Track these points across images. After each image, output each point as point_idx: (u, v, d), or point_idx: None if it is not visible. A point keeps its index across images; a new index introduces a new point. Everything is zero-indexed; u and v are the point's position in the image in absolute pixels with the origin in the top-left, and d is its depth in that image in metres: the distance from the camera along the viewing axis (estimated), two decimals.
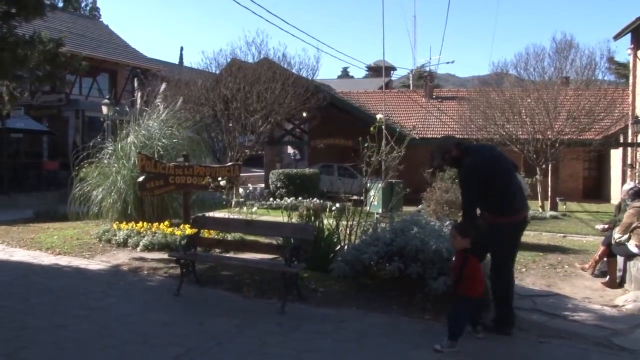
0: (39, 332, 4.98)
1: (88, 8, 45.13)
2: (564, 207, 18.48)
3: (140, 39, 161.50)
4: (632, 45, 20.46)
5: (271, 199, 18.64)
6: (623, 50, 42.54)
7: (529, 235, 11.91)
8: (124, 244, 9.02)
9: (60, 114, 23.63)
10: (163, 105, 11.62)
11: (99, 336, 4.89)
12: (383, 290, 6.06)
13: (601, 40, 25.22)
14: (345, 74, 73.24)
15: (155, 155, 10.09)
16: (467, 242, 4.80)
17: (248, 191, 17.52)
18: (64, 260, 8.26)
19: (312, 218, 7.77)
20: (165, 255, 7.83)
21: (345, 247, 7.01)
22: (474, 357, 4.58)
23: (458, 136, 23.16)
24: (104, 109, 18.92)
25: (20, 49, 9.67)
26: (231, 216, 8.72)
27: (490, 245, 5.09)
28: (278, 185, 19.80)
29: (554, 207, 18.55)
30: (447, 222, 6.68)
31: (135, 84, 13.55)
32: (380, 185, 9.47)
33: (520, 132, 19.16)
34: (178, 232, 8.87)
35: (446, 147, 5.21)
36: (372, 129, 7.42)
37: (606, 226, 8.65)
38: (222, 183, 8.35)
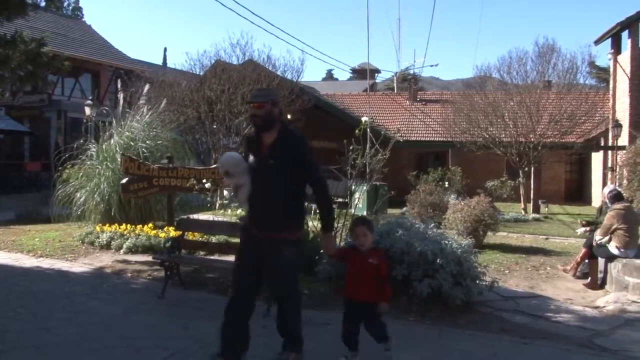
0: (21, 336, 4.92)
1: (70, 8, 44.70)
2: (546, 209, 18.69)
3: (124, 39, 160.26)
4: (612, 50, 20.75)
5: None
6: (604, 55, 43.19)
7: (512, 238, 12.06)
8: (107, 247, 8.95)
9: (42, 114, 23.37)
10: (147, 107, 11.56)
11: (82, 339, 4.84)
12: None
13: (582, 45, 25.54)
14: (329, 76, 73.36)
15: (140, 156, 10.02)
16: (373, 236, 4.44)
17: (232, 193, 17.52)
18: (46, 263, 8.17)
19: None
20: (149, 258, 7.78)
21: None
22: (459, 357, 4.61)
23: (442, 139, 23.37)
24: (87, 110, 18.75)
25: (2, 48, 9.58)
26: (216, 218, 8.69)
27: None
28: None
29: (536, 209, 18.75)
30: (432, 225, 6.72)
31: (119, 85, 13.45)
32: (365, 187, 9.49)
33: (503, 135, 19.37)
34: (162, 235, 8.82)
35: (278, 99, 4.15)
36: (357, 131, 7.44)
37: (587, 228, 8.77)
38: (207, 185, 8.33)
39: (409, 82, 32.21)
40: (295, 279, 4.21)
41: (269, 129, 3.95)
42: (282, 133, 3.96)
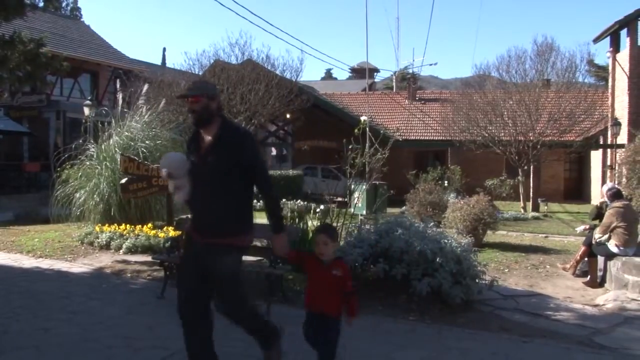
0: (21, 336, 4.91)
1: (69, 8, 44.60)
2: (546, 207, 18.70)
3: (122, 39, 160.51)
4: (611, 49, 20.78)
5: (255, 200, 18.59)
6: (602, 53, 43.19)
7: (511, 236, 12.07)
8: (106, 247, 8.93)
9: (41, 115, 23.32)
10: (146, 107, 11.55)
11: (82, 340, 4.84)
12: (368, 292, 6.07)
13: (581, 43, 25.66)
14: (328, 75, 73.35)
15: (140, 156, 10.01)
16: (337, 245, 4.08)
17: None
18: (45, 264, 8.16)
19: (297, 220, 7.77)
20: (148, 258, 7.78)
21: None
22: (459, 356, 4.61)
23: (441, 138, 23.38)
24: (86, 110, 18.72)
25: (0, 49, 9.55)
26: None
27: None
28: None
29: (535, 208, 18.76)
30: (431, 224, 6.72)
31: (118, 85, 13.45)
32: (364, 186, 9.50)
33: (503, 134, 19.40)
34: (161, 235, 8.81)
35: (216, 92, 3.72)
36: (356, 130, 7.45)
37: (587, 226, 8.77)
38: None
39: (408, 81, 32.23)
40: (238, 292, 3.69)
41: (207, 125, 3.61)
42: (223, 128, 3.62)
